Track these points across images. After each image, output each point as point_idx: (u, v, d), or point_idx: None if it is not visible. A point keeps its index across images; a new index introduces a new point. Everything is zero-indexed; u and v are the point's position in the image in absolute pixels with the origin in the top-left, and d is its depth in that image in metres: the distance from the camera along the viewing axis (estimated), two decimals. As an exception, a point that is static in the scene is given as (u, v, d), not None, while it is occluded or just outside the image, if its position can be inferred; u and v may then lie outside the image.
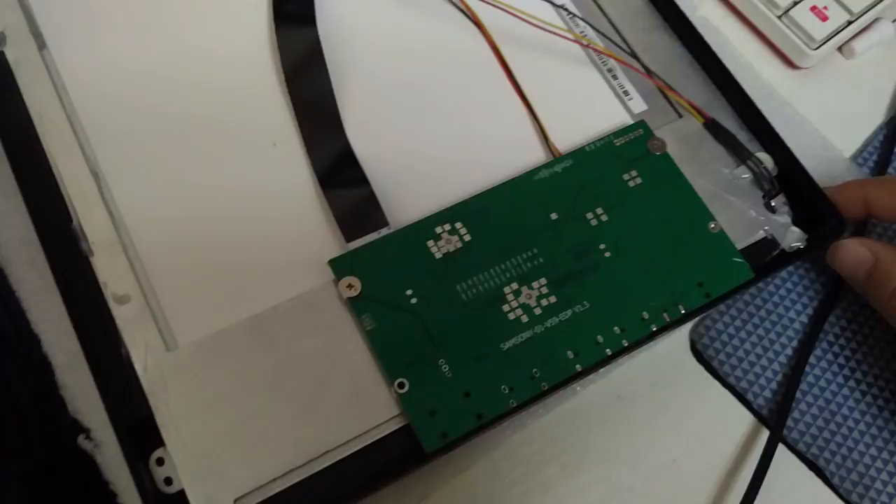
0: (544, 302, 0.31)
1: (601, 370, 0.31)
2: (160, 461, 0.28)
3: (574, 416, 0.33)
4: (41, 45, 0.34)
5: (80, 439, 0.30)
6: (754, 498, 0.31)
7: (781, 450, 0.33)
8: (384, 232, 0.32)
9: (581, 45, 0.38)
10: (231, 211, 0.32)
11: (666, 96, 0.38)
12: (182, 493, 0.28)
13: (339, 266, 0.31)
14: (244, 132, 0.34)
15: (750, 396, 0.34)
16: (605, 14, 0.39)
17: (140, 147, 0.33)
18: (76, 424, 0.30)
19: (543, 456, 0.32)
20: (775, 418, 0.33)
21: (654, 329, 0.32)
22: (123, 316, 0.30)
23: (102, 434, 0.30)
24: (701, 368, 0.35)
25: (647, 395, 0.34)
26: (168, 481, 0.28)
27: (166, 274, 0.31)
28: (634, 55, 0.38)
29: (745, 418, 0.34)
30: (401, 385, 0.29)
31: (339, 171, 0.33)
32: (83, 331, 0.29)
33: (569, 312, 0.31)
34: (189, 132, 0.34)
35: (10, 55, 0.34)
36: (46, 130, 0.32)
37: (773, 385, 0.34)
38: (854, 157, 0.40)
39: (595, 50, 0.38)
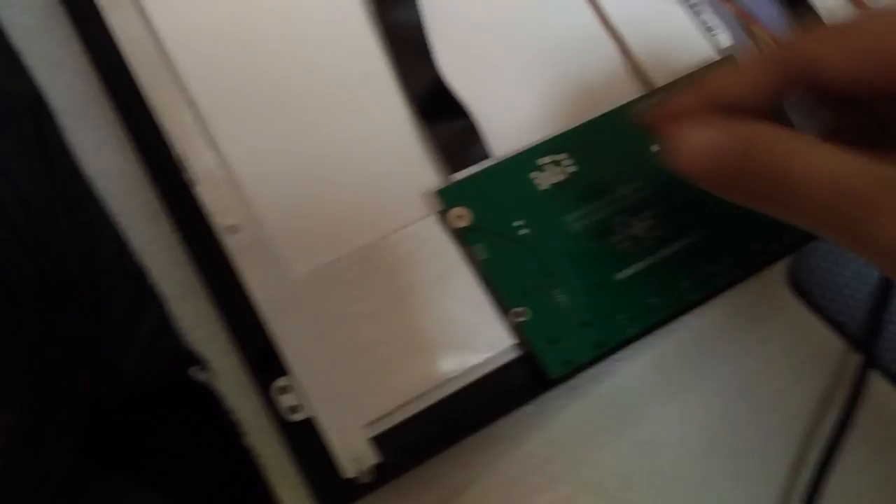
0: (653, 233, 0.31)
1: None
2: (283, 389, 0.27)
3: (681, 348, 0.33)
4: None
5: (193, 370, 0.29)
6: (848, 419, 0.32)
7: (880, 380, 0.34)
8: (487, 163, 0.31)
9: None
10: (328, 143, 0.32)
11: (750, 31, 0.37)
12: (308, 420, 0.27)
13: (448, 196, 0.30)
14: (335, 64, 0.34)
15: (847, 326, 0.34)
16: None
17: (234, 79, 0.32)
18: (190, 355, 0.29)
19: (654, 386, 0.32)
20: (867, 342, 0.33)
21: (762, 259, 0.31)
22: (235, 246, 0.29)
23: (219, 364, 0.29)
24: (798, 300, 0.34)
25: (752, 329, 0.34)
26: (293, 409, 0.27)
27: (272, 205, 0.30)
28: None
29: (841, 347, 0.34)
30: (520, 313, 0.29)
31: (436, 103, 0.33)
32: (198, 260, 0.28)
33: (678, 243, 0.31)
34: (282, 66, 0.33)
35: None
36: (138, 60, 0.31)
37: (865, 312, 0.34)
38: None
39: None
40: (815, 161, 0.21)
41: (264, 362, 0.28)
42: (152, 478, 0.48)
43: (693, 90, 0.25)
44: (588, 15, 0.36)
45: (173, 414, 0.45)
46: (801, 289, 0.35)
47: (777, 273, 0.35)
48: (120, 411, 0.47)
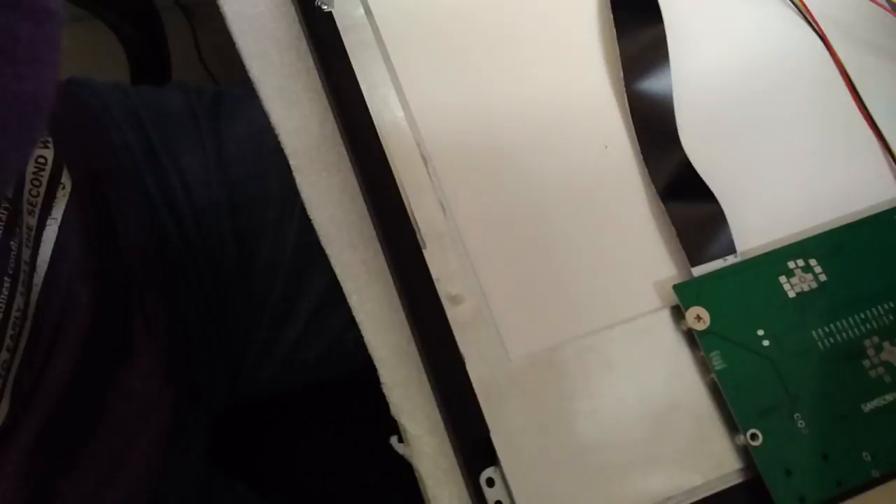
0: (909, 362, 0.28)
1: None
2: (490, 482, 0.25)
3: None
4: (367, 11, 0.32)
5: (394, 441, 0.27)
6: None
7: None
8: (731, 260, 0.29)
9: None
10: (563, 219, 0.30)
11: None
12: (514, 520, 0.25)
13: (686, 293, 0.28)
14: (577, 133, 0.32)
15: None
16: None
17: (470, 141, 0.31)
18: (393, 423, 0.27)
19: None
20: None
21: None
22: (457, 318, 0.27)
23: (422, 441, 0.27)
24: None
25: None
26: (497, 504, 0.25)
27: (498, 278, 0.28)
28: None
29: None
30: (754, 436, 0.26)
31: (682, 185, 0.30)
32: (421, 327, 0.27)
33: (937, 377, 0.28)
34: (520, 134, 0.32)
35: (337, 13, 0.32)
36: (378, 107, 0.30)
37: None
38: None
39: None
40: None
41: (477, 449, 0.26)
42: (269, 486, 0.48)
43: None
44: (854, 112, 0.33)
45: (298, 427, 0.45)
46: None
47: None
48: (248, 417, 0.48)
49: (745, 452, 0.27)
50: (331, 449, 0.49)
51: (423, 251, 0.28)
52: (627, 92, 0.31)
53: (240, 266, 0.44)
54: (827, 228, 0.30)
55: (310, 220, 0.29)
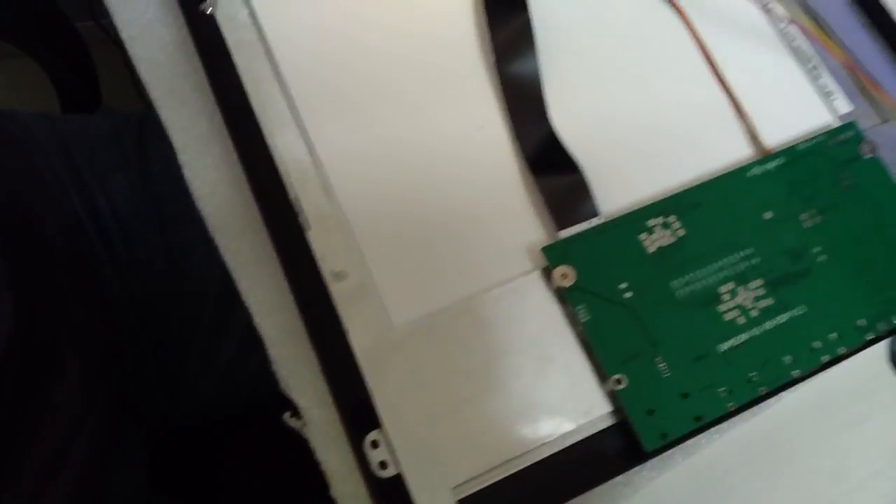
0: (761, 304, 0.31)
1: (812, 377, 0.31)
2: (375, 444, 0.27)
3: (773, 424, 0.32)
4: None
5: (287, 417, 0.29)
6: None
7: None
8: (595, 222, 0.31)
9: (801, 31, 0.36)
10: (440, 193, 0.32)
11: (872, 96, 0.36)
12: (397, 476, 0.27)
13: (553, 254, 0.30)
14: (452, 116, 0.34)
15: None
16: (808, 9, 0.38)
17: (354, 127, 0.33)
18: (283, 400, 0.29)
19: (744, 461, 0.31)
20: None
21: (871, 337, 0.31)
22: (341, 293, 0.29)
23: (311, 413, 0.29)
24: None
25: (846, 406, 0.33)
26: (382, 465, 0.27)
27: (380, 253, 0.30)
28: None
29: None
30: (619, 381, 0.29)
31: (548, 157, 0.32)
32: (304, 307, 0.29)
33: (786, 316, 0.31)
34: (401, 117, 0.34)
35: (220, 16, 0.33)
36: (261, 101, 0.32)
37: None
38: None
39: (809, 36, 0.36)
40: None
41: (359, 414, 0.28)
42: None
43: None
44: (706, 76, 0.36)
45: (243, 447, 0.45)
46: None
47: (877, 351, 0.34)
48: (190, 437, 0.48)
49: (612, 397, 0.29)
50: (280, 468, 0.50)
51: (307, 233, 0.30)
52: (500, 75, 0.34)
53: (171, 282, 0.45)
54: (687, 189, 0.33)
55: None
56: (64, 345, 0.39)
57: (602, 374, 0.29)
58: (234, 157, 0.31)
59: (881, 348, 0.34)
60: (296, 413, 0.29)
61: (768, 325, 0.31)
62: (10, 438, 0.36)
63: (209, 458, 0.49)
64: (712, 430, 0.31)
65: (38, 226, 0.41)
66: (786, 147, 0.34)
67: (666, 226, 0.31)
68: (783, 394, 0.31)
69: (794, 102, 0.36)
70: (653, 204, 0.32)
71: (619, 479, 0.29)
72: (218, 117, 0.32)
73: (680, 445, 0.30)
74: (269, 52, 0.33)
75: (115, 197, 0.45)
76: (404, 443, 0.28)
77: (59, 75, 0.63)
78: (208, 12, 0.33)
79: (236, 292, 0.42)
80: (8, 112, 0.46)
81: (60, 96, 0.63)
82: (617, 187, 0.33)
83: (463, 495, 0.28)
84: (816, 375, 0.31)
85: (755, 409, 0.31)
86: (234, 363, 0.47)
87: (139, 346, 0.44)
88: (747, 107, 0.35)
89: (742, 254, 0.31)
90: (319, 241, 0.30)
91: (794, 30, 0.37)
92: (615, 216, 0.32)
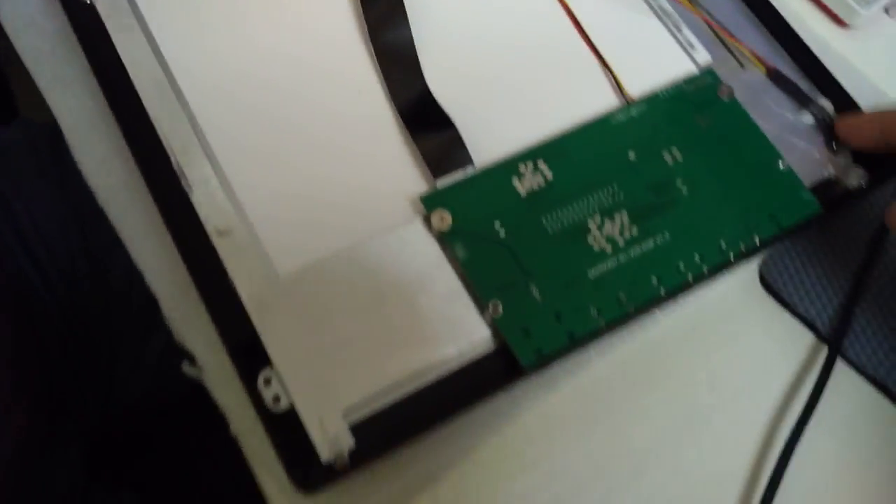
0: (627, 233, 0.33)
1: (680, 297, 0.33)
2: (267, 381, 0.29)
3: (653, 344, 0.34)
4: None
5: (185, 366, 0.30)
6: (815, 405, 0.34)
7: (847, 372, 0.35)
8: (470, 170, 0.33)
9: None
10: (321, 152, 0.34)
11: (729, 47, 0.39)
12: (291, 408, 0.29)
13: (431, 201, 0.32)
14: (331, 82, 0.36)
15: (816, 322, 0.35)
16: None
17: (229, 90, 0.35)
18: (181, 351, 0.31)
19: (626, 379, 0.33)
20: (836, 335, 0.35)
21: (732, 256, 0.33)
22: (225, 248, 0.31)
23: (208, 360, 0.30)
24: (770, 298, 0.36)
25: (721, 325, 0.35)
26: (276, 399, 0.28)
27: (262, 209, 0.32)
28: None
29: (811, 343, 0.36)
30: (496, 307, 0.30)
31: (423, 113, 0.34)
32: (191, 264, 0.30)
33: (650, 242, 0.33)
34: (278, 82, 0.36)
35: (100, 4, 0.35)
36: (141, 77, 0.34)
37: (835, 308, 0.36)
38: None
39: None
40: None
41: (248, 355, 0.29)
42: (156, 493, 0.49)
43: None
44: (570, 31, 0.38)
45: (177, 433, 0.46)
46: (772, 287, 0.36)
47: (749, 272, 0.36)
48: (126, 427, 0.49)
49: (493, 326, 0.31)
50: (218, 454, 0.50)
51: (191, 196, 0.31)
52: (373, 44, 0.36)
53: (94, 281, 0.46)
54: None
55: None
56: None
57: (480, 303, 0.31)
58: (118, 132, 0.33)
59: (752, 272, 0.36)
60: (193, 362, 0.31)
61: (635, 251, 0.33)
62: None
63: (147, 447, 0.50)
64: (594, 352, 0.33)
65: None
66: (648, 95, 0.36)
67: (536, 170, 0.33)
68: (661, 318, 0.34)
69: (657, 55, 0.39)
70: (524, 152, 0.34)
71: (507, 400, 0.32)
72: (101, 98, 0.33)
73: (565, 368, 0.32)
74: (147, 32, 0.35)
75: (32, 202, 0.46)
76: (294, 377, 0.29)
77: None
78: (88, 2, 0.34)
79: None
80: None
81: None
82: (491, 140, 0.35)
83: (353, 420, 0.29)
84: (691, 297, 0.33)
85: (635, 332, 0.34)
86: (165, 357, 0.48)
87: (66, 347, 0.45)
88: (612, 61, 0.38)
89: (608, 190, 0.34)
90: (203, 203, 0.31)
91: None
92: (489, 165, 0.33)
